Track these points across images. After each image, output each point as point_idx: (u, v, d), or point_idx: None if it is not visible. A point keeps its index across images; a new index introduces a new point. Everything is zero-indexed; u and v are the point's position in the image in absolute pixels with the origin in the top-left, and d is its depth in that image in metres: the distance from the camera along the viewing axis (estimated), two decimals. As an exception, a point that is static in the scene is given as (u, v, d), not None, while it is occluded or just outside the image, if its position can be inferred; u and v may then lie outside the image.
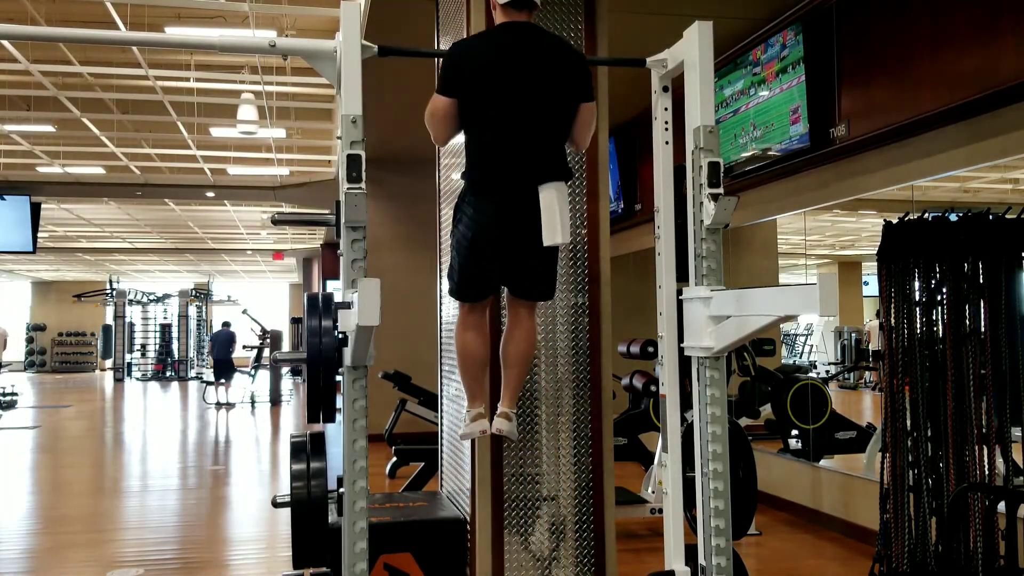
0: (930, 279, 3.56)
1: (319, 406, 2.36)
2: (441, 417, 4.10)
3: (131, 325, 23.66)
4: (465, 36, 3.51)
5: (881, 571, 3.63)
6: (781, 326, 8.60)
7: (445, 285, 3.21)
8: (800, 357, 11.43)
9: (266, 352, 17.48)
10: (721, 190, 2.57)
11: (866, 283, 9.02)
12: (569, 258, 3.44)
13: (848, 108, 4.90)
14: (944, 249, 3.53)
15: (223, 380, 14.85)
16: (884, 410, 3.62)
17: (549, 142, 2.68)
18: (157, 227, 17.74)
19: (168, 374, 23.36)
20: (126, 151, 10.95)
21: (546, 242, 2.59)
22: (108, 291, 23.25)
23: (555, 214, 2.60)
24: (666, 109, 2.91)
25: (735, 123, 6.02)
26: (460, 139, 2.91)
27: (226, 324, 15.97)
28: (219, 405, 14.59)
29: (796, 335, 11.65)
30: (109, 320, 24.13)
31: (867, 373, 9.89)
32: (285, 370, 17.59)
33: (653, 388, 5.38)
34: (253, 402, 14.38)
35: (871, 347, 10.07)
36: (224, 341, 15.20)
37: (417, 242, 9.71)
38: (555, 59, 2.67)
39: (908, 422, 3.58)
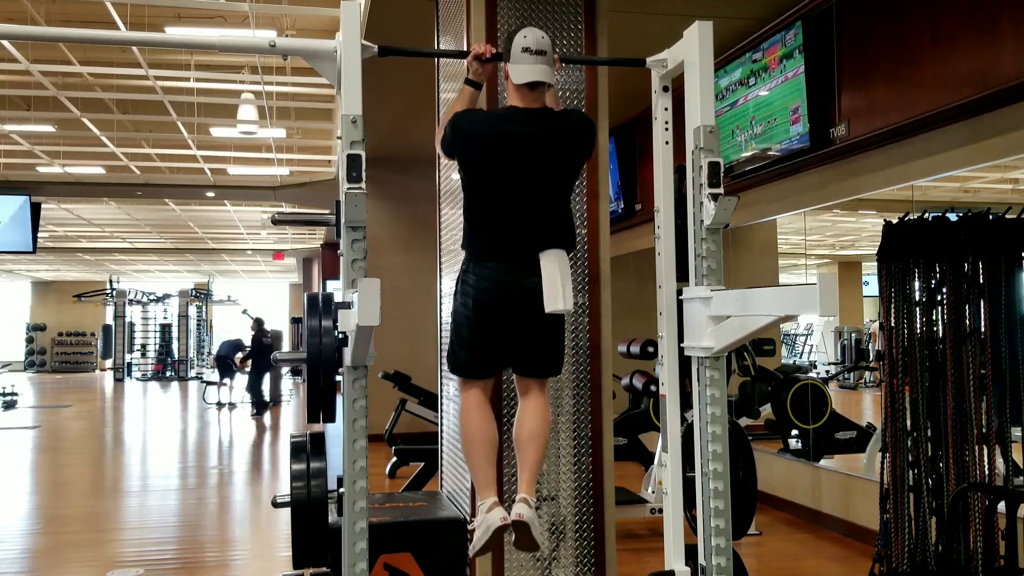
0: (930, 279, 3.56)
1: (319, 406, 2.36)
2: (441, 417, 4.10)
3: (131, 325, 23.66)
4: (465, 36, 3.51)
5: (881, 571, 3.63)
6: (781, 326, 8.60)
7: (446, 352, 2.96)
8: (800, 357, 11.44)
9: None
10: (721, 190, 2.57)
11: (866, 283, 9.02)
12: (570, 257, 3.44)
13: (848, 108, 4.90)
14: (944, 249, 3.53)
15: (226, 380, 14.85)
16: (884, 410, 3.62)
17: (552, 210, 2.67)
18: (157, 227, 17.75)
19: (168, 374, 23.37)
20: (126, 151, 10.95)
21: (547, 308, 2.55)
22: (108, 291, 23.25)
23: (556, 280, 2.57)
24: (666, 109, 2.91)
25: (733, 117, 6.00)
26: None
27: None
28: (220, 405, 14.58)
29: (796, 335, 11.66)
30: (109, 320, 24.13)
31: (867, 373, 9.89)
32: (285, 370, 17.59)
33: (653, 388, 5.38)
34: (264, 402, 13.64)
35: (872, 347, 10.07)
36: (232, 345, 15.23)
37: (417, 242, 9.71)
38: (561, 132, 2.67)
39: (908, 422, 3.58)
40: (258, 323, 14.01)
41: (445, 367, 2.78)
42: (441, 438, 4.09)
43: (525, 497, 2.56)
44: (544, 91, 2.69)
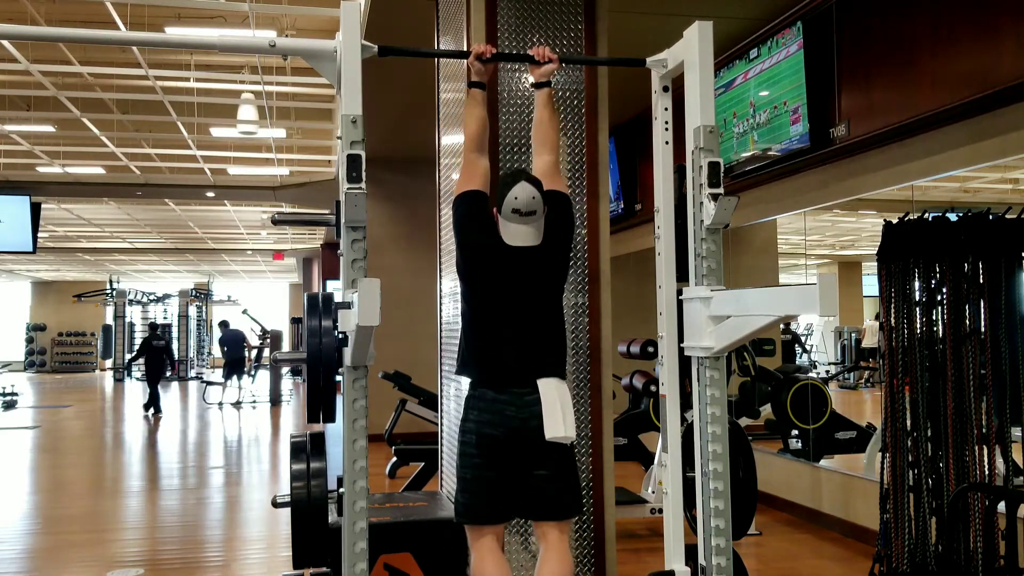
0: (930, 279, 3.56)
1: (319, 406, 2.36)
2: (441, 417, 4.10)
3: (131, 325, 23.66)
4: (465, 36, 3.51)
5: (881, 571, 3.63)
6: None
7: (453, 496, 2.83)
8: (800, 357, 11.43)
9: (266, 352, 17.50)
10: (721, 190, 2.58)
11: (867, 282, 9.03)
12: (569, 258, 3.44)
13: (848, 108, 4.90)
14: (944, 249, 3.53)
15: (232, 379, 14.87)
16: (884, 410, 3.62)
17: (546, 332, 2.63)
18: (157, 227, 17.75)
19: (168, 374, 23.35)
20: (126, 151, 10.95)
21: (548, 435, 2.46)
22: (108, 291, 23.25)
23: (556, 407, 2.50)
24: (666, 109, 2.91)
25: (729, 101, 5.98)
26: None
27: (224, 324, 15.91)
28: (234, 404, 14.59)
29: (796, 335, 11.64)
30: (109, 320, 24.14)
31: (867, 373, 9.90)
32: (285, 370, 17.61)
33: (653, 388, 5.38)
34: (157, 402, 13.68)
35: (866, 345, 10.07)
36: (235, 341, 15.23)
37: (417, 242, 9.71)
38: (548, 249, 2.64)
39: (908, 422, 3.58)
40: (152, 327, 14.75)
41: (456, 518, 2.63)
42: (441, 438, 4.09)
43: None
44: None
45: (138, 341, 23.72)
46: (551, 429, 2.47)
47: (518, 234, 2.60)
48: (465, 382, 2.73)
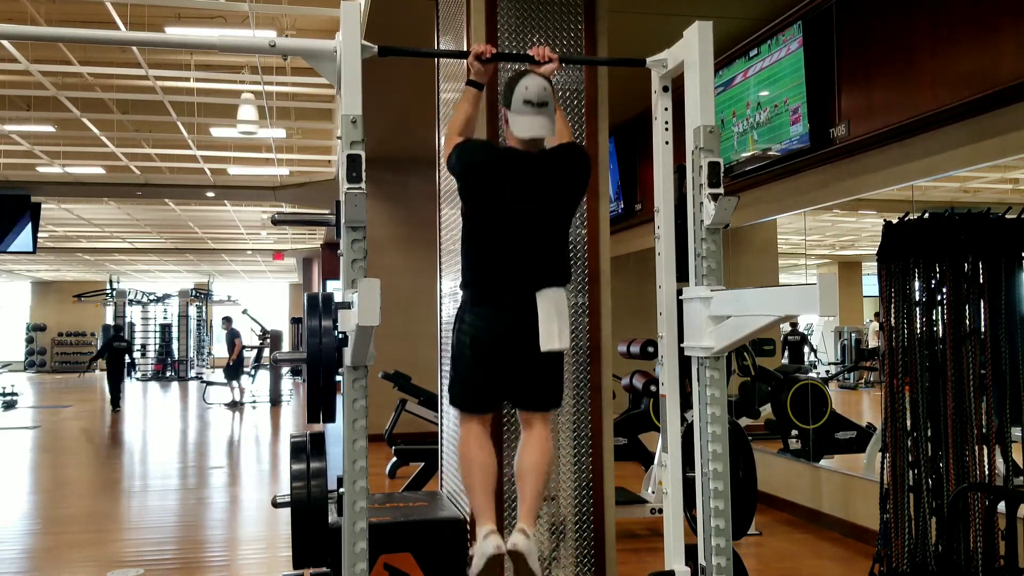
0: (930, 279, 3.56)
1: (319, 406, 2.36)
2: (441, 417, 4.10)
3: (131, 325, 23.65)
4: (465, 36, 3.51)
5: (881, 571, 3.63)
6: (780, 326, 8.60)
7: (446, 386, 2.95)
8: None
9: (266, 352, 17.51)
10: (721, 190, 2.58)
11: (866, 282, 9.03)
12: (569, 258, 3.44)
13: (848, 108, 4.90)
14: (944, 249, 3.53)
15: (233, 380, 14.92)
16: (884, 410, 3.62)
17: (549, 248, 2.67)
18: (157, 227, 17.75)
19: (168, 374, 23.37)
20: (126, 151, 10.95)
21: (543, 348, 2.56)
22: (108, 291, 23.24)
23: (553, 320, 2.57)
24: (666, 109, 2.91)
25: (728, 100, 5.98)
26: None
27: (228, 319, 16.11)
28: (233, 405, 14.63)
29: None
30: (109, 320, 24.13)
31: (867, 373, 9.89)
32: (285, 370, 17.61)
33: (653, 388, 5.38)
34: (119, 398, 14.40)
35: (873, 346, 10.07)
36: (229, 341, 15.28)
37: (417, 242, 9.71)
38: (559, 172, 2.68)
39: (908, 422, 3.58)
40: (116, 329, 15.77)
41: (445, 400, 2.76)
42: (441, 438, 4.09)
43: (523, 527, 2.55)
44: (544, 139, 2.70)
45: (138, 341, 23.79)
46: (546, 343, 2.56)
47: (531, 125, 2.61)
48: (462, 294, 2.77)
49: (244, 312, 19.04)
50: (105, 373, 15.25)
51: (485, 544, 2.49)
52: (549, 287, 2.60)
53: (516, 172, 2.63)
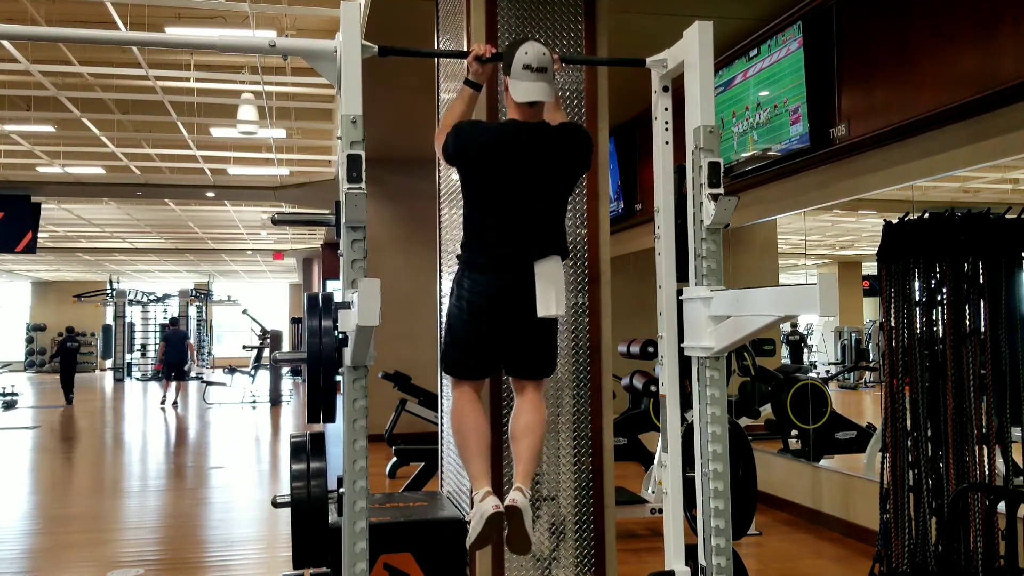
0: (930, 279, 3.56)
1: (319, 406, 2.36)
2: (441, 417, 4.10)
3: (131, 325, 23.65)
4: (465, 36, 3.51)
5: (881, 571, 3.63)
6: (781, 326, 8.61)
7: (440, 352, 3.01)
8: (809, 355, 11.42)
9: (266, 352, 17.51)
10: (721, 190, 2.57)
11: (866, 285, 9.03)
12: (569, 258, 3.44)
13: (848, 108, 4.90)
14: (944, 249, 3.53)
15: (175, 377, 15.41)
16: (884, 410, 3.62)
17: (548, 220, 2.69)
18: (157, 227, 17.75)
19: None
20: (126, 151, 10.95)
21: (540, 313, 2.59)
22: (108, 291, 23.24)
23: (550, 287, 2.61)
24: (666, 109, 2.91)
25: (728, 100, 5.98)
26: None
27: (176, 322, 17.20)
28: (174, 404, 15.16)
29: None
30: (109, 320, 24.14)
31: (867, 373, 9.90)
32: (285, 370, 17.63)
33: (653, 388, 5.38)
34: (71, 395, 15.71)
35: (873, 347, 10.08)
36: (178, 342, 15.73)
37: (417, 242, 9.71)
38: (559, 144, 2.70)
39: (908, 422, 3.58)
40: (68, 330, 17.05)
41: (441, 369, 2.81)
42: (441, 438, 4.09)
43: (520, 487, 2.59)
44: (543, 107, 2.72)
45: (139, 341, 23.81)
46: (543, 309, 2.60)
47: (530, 90, 2.62)
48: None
49: (244, 312, 19.04)
50: (111, 372, 15.61)
51: (484, 504, 2.52)
52: (547, 257, 2.64)
53: (515, 142, 2.65)
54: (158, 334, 24.00)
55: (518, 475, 2.66)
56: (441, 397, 4.11)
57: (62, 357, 15.99)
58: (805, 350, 10.32)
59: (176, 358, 15.29)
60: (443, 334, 2.88)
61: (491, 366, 2.81)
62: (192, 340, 24.17)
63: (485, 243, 2.67)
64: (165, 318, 24.22)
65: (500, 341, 2.70)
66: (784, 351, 9.49)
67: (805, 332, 10.85)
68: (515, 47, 2.65)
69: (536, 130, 2.68)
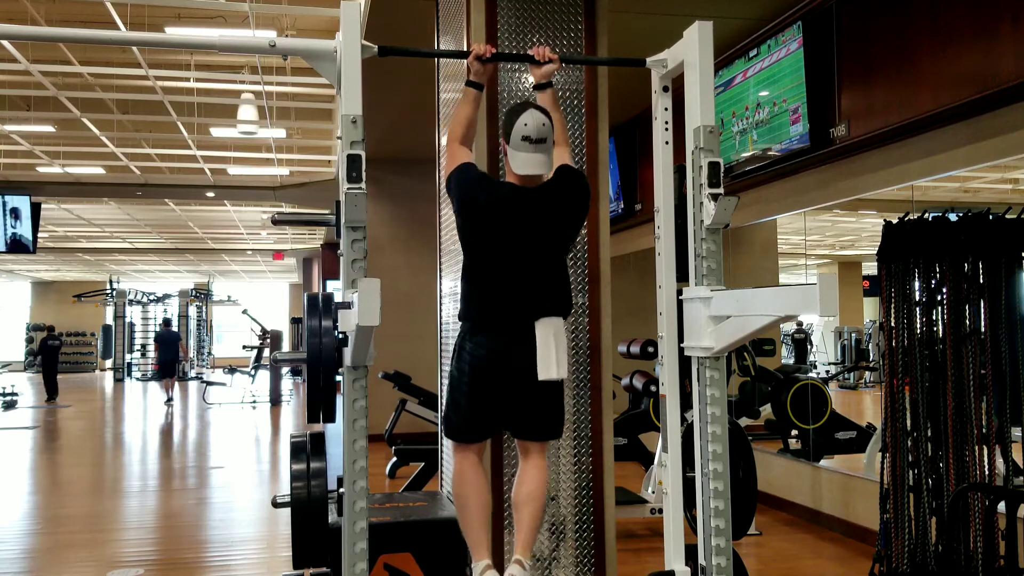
0: (930, 279, 3.56)
1: (319, 406, 2.36)
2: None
3: (131, 325, 23.65)
4: (465, 36, 3.51)
5: (881, 571, 3.63)
6: (781, 326, 8.61)
7: (441, 416, 2.93)
8: (811, 354, 11.41)
9: (266, 352, 17.52)
10: (721, 190, 2.57)
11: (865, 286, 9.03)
12: (569, 258, 3.44)
13: (848, 108, 4.90)
14: (944, 249, 3.53)
15: (167, 377, 15.95)
16: (884, 410, 3.62)
17: (547, 280, 2.66)
18: (157, 227, 17.75)
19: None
20: (126, 151, 10.95)
21: (541, 376, 2.55)
22: (108, 291, 23.24)
23: (551, 348, 2.57)
24: (666, 109, 2.91)
25: (728, 100, 5.97)
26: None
27: (169, 323, 17.71)
28: (163, 400, 15.59)
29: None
30: (109, 320, 24.13)
31: (867, 373, 9.90)
32: (285, 370, 17.64)
33: (653, 388, 5.38)
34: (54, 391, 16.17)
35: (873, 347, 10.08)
36: (170, 342, 16.37)
37: (417, 242, 9.72)
38: (557, 206, 2.67)
39: (908, 422, 3.58)
40: (49, 329, 17.58)
41: (443, 433, 2.74)
42: (441, 438, 4.09)
43: (519, 559, 2.55)
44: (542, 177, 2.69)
45: (139, 342, 23.82)
46: (544, 371, 2.56)
47: (528, 162, 2.60)
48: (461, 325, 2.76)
49: (244, 312, 19.04)
50: (111, 372, 15.88)
51: None
52: (547, 316, 2.60)
53: (514, 210, 2.62)
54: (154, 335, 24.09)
55: (519, 545, 2.62)
56: (441, 397, 4.11)
57: (44, 355, 16.56)
58: (810, 347, 10.32)
59: (168, 357, 16.02)
60: (444, 397, 2.84)
61: (492, 426, 2.77)
62: (192, 340, 24.24)
63: (484, 307, 2.64)
64: (165, 318, 24.27)
65: (502, 404, 2.66)
66: (784, 351, 9.50)
67: (807, 331, 10.86)
68: (515, 115, 2.60)
69: (534, 196, 2.65)
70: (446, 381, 2.88)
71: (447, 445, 3.74)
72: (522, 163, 2.61)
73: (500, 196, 2.66)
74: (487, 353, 2.61)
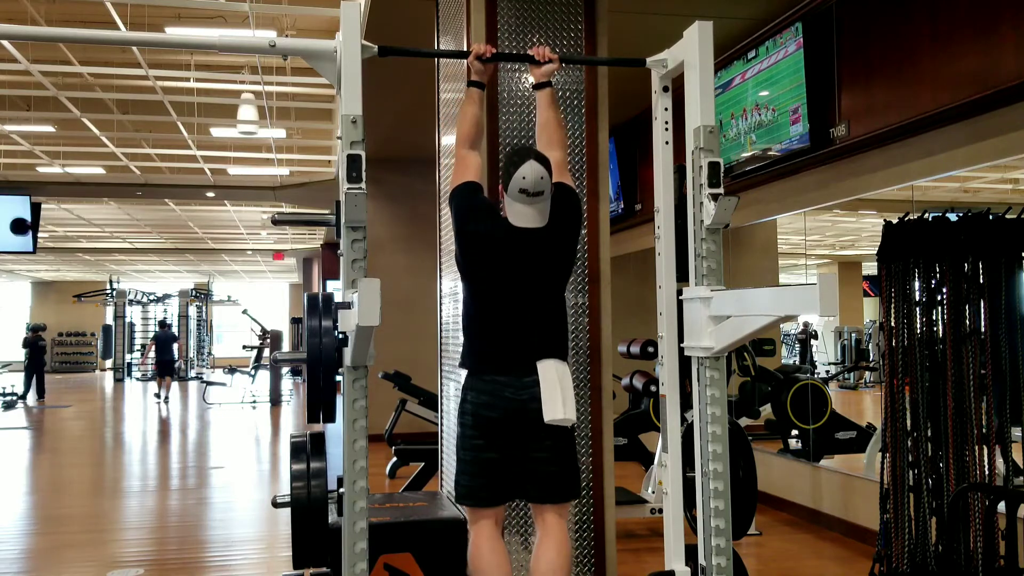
0: (930, 279, 3.56)
1: (319, 406, 2.36)
2: (441, 417, 4.10)
3: (131, 325, 23.65)
4: (465, 36, 3.51)
5: (881, 571, 3.63)
6: (781, 326, 8.61)
7: (453, 482, 2.78)
8: (815, 353, 11.40)
9: (266, 352, 17.52)
10: (721, 190, 2.58)
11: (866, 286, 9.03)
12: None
13: (848, 108, 4.90)
14: (944, 249, 3.53)
15: (166, 376, 16.35)
16: (884, 410, 3.62)
17: (548, 317, 2.62)
18: (157, 227, 17.76)
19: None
20: (126, 151, 10.95)
21: (547, 418, 2.47)
22: (108, 291, 23.24)
23: (555, 388, 2.49)
24: (666, 109, 2.91)
25: (727, 101, 5.97)
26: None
27: (167, 325, 17.95)
28: (161, 398, 15.82)
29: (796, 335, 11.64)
30: (109, 320, 24.12)
31: (867, 373, 9.90)
32: (285, 370, 17.65)
33: (653, 388, 5.38)
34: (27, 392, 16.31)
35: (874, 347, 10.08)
36: (167, 343, 16.80)
37: (417, 242, 9.72)
38: (552, 243, 2.63)
39: (908, 422, 3.58)
40: (35, 329, 17.61)
41: (452, 496, 2.62)
42: (441, 438, 4.09)
43: None
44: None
45: (139, 341, 23.83)
46: (550, 412, 2.48)
47: (524, 215, 2.59)
48: (464, 374, 2.73)
49: (244, 312, 19.04)
50: (111, 373, 16.01)
51: None
52: (549, 359, 2.56)
53: (512, 250, 2.59)
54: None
55: None
56: (441, 397, 4.11)
57: (30, 355, 16.93)
58: (813, 345, 10.32)
59: (163, 357, 16.42)
60: (453, 459, 2.74)
61: (507, 489, 2.60)
62: (192, 340, 24.24)
63: (484, 351, 2.60)
64: (163, 320, 24.27)
65: (513, 457, 2.55)
66: (785, 351, 9.50)
67: (813, 331, 10.86)
68: (514, 166, 2.54)
69: (532, 236, 2.61)
70: (452, 442, 2.81)
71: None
72: (517, 215, 2.59)
73: (498, 235, 2.61)
74: (490, 399, 2.54)
